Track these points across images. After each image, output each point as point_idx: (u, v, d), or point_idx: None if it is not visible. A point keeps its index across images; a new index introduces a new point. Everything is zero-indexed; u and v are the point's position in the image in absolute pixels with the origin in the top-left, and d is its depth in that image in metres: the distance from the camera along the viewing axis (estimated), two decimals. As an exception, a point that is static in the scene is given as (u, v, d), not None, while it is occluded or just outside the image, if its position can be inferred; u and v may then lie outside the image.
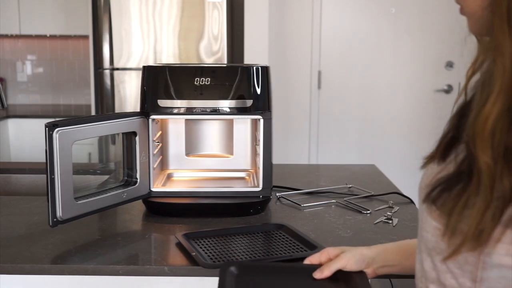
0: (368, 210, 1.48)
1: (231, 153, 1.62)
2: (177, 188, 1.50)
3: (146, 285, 1.27)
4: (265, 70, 1.43)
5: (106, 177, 1.86)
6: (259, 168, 1.47)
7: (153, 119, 1.44)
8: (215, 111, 1.42)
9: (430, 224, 0.71)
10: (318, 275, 0.96)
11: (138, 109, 1.45)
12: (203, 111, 1.42)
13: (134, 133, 1.39)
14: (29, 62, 4.27)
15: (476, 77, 0.67)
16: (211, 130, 1.62)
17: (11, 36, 4.14)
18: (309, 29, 3.76)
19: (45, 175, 1.18)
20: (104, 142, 3.46)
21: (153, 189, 1.45)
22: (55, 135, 1.17)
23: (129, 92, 3.33)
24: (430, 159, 0.77)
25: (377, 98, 3.81)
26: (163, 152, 1.60)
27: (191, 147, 1.62)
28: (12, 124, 3.71)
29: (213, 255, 1.14)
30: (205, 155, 1.63)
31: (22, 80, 4.29)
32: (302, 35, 3.77)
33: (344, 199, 1.58)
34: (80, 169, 1.97)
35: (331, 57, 3.78)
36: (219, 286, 0.92)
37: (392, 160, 3.78)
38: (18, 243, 1.23)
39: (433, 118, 3.70)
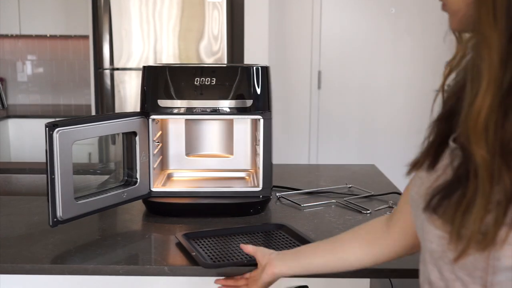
0: (368, 210, 1.48)
1: (231, 153, 1.62)
2: (177, 188, 1.50)
3: (146, 285, 1.27)
4: (265, 70, 1.43)
5: (106, 177, 1.86)
6: (259, 168, 1.47)
7: (153, 119, 1.44)
8: (215, 111, 1.42)
9: (434, 234, 0.68)
10: None
11: (138, 109, 1.45)
12: (203, 111, 1.41)
13: (134, 133, 1.39)
14: (29, 62, 4.27)
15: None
16: (211, 130, 1.62)
17: (11, 36, 4.13)
18: (309, 29, 3.76)
19: (45, 175, 1.18)
20: (104, 142, 3.46)
21: (153, 189, 1.45)
22: (55, 135, 1.17)
23: (129, 92, 3.33)
24: (415, 165, 0.76)
25: (377, 98, 3.81)
26: (163, 152, 1.60)
27: (191, 147, 1.62)
28: (12, 124, 3.71)
29: (213, 255, 1.14)
30: (205, 155, 1.63)
31: (22, 80, 4.29)
32: (302, 35, 3.77)
33: (344, 199, 1.58)
34: (80, 169, 1.97)
35: (331, 57, 3.78)
36: None
37: (392, 160, 3.77)
38: (18, 243, 1.23)
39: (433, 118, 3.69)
